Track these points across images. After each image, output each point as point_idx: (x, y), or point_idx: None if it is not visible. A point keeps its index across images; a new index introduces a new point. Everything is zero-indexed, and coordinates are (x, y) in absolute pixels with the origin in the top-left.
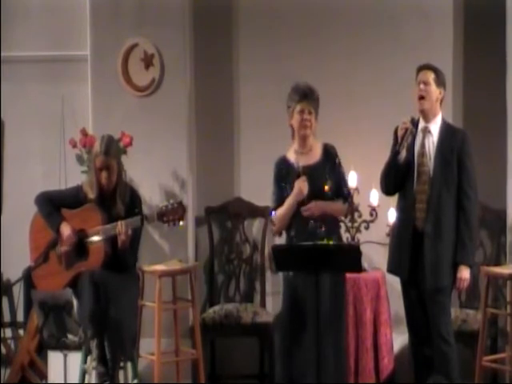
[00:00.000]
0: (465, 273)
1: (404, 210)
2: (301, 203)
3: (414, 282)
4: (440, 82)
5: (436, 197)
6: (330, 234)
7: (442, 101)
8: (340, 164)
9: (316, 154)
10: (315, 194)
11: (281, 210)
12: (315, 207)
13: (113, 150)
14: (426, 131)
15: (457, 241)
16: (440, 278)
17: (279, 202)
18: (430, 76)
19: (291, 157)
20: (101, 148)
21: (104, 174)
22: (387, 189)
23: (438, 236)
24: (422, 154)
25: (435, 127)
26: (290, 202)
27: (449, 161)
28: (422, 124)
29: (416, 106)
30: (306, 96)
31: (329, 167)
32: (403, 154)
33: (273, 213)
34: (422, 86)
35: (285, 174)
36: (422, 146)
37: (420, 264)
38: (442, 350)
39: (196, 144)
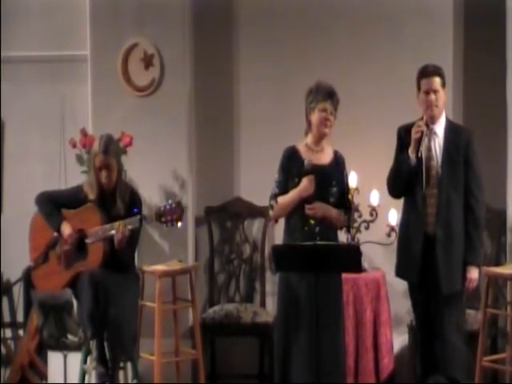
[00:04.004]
0: (474, 273)
1: (413, 215)
2: (305, 200)
3: (423, 285)
4: (444, 82)
5: (445, 200)
6: (327, 235)
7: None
8: (347, 176)
9: (327, 157)
10: (320, 194)
11: (283, 199)
12: (319, 208)
13: (112, 149)
14: (432, 133)
15: (466, 242)
16: (455, 281)
17: (282, 190)
18: (438, 82)
19: (302, 150)
20: (100, 147)
21: (103, 174)
22: (397, 192)
23: (449, 240)
24: (429, 157)
25: (440, 128)
26: (294, 195)
27: (455, 161)
28: (428, 124)
29: (422, 113)
30: (330, 96)
31: (337, 175)
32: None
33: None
34: (432, 95)
35: (292, 164)
36: (429, 149)
37: (431, 268)
38: (453, 351)
39: (196, 144)
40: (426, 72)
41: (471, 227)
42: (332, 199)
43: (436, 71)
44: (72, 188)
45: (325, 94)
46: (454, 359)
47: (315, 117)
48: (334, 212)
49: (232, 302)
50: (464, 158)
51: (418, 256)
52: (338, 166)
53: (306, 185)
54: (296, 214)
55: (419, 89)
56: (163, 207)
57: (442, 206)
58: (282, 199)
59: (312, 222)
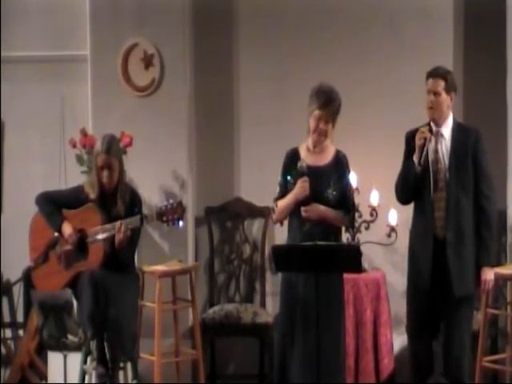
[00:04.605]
0: (489, 274)
1: (423, 220)
2: (301, 203)
3: (433, 289)
4: (450, 87)
5: (454, 203)
6: (327, 236)
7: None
8: (349, 176)
9: (327, 158)
10: (316, 197)
11: (281, 203)
12: (313, 210)
13: (114, 148)
14: (439, 135)
15: (479, 243)
16: (467, 284)
17: (282, 193)
18: (440, 85)
19: (302, 152)
20: (102, 146)
21: (105, 173)
22: (406, 198)
23: (460, 243)
24: (437, 160)
25: (447, 130)
26: (290, 198)
27: (464, 163)
28: (433, 129)
29: (426, 114)
30: (326, 105)
31: (337, 176)
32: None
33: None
34: (431, 96)
35: (292, 166)
36: (436, 151)
37: (442, 272)
38: (460, 353)
39: (196, 144)
40: (432, 73)
41: (483, 228)
42: (331, 200)
43: (442, 74)
44: (72, 188)
45: (321, 102)
46: (460, 361)
47: (311, 122)
48: (330, 213)
49: (232, 302)
50: (473, 158)
51: (429, 261)
52: (337, 166)
53: (300, 187)
54: (295, 216)
55: None
56: (164, 206)
57: (451, 209)
58: (280, 202)
59: (309, 223)
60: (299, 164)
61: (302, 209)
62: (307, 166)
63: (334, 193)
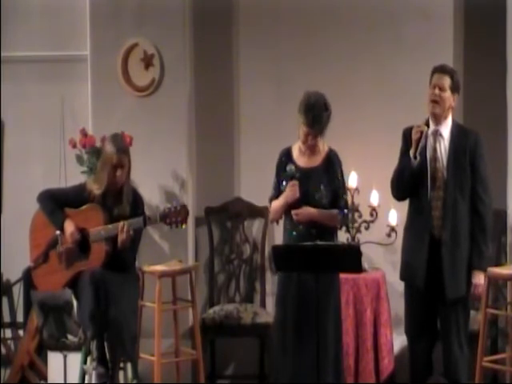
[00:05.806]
0: (480, 278)
1: (419, 218)
2: (292, 206)
3: (427, 289)
4: (455, 87)
5: (451, 203)
6: (322, 237)
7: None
8: (342, 174)
9: (319, 159)
10: (308, 199)
11: (274, 203)
12: (304, 214)
13: (126, 148)
14: (437, 134)
15: (472, 247)
16: (460, 286)
17: (276, 193)
18: (447, 81)
19: (295, 152)
20: (118, 146)
21: (119, 172)
22: (402, 194)
23: (455, 244)
24: (435, 159)
25: (446, 130)
26: (281, 200)
27: (462, 164)
28: (432, 127)
29: (427, 107)
30: (314, 125)
31: (328, 175)
32: (418, 158)
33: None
34: (436, 90)
35: (284, 166)
36: (434, 150)
37: (436, 272)
38: (457, 354)
39: (196, 144)
40: (438, 68)
41: (478, 232)
42: (323, 201)
43: (449, 71)
44: (74, 186)
45: (309, 121)
46: (457, 361)
47: (300, 133)
48: (322, 215)
49: (232, 302)
50: (471, 161)
51: (424, 259)
52: (329, 166)
53: (289, 191)
54: (288, 217)
55: None
56: (168, 209)
57: (448, 209)
58: (274, 203)
59: (302, 224)
60: (288, 167)
61: (293, 212)
62: (299, 168)
63: (326, 194)
